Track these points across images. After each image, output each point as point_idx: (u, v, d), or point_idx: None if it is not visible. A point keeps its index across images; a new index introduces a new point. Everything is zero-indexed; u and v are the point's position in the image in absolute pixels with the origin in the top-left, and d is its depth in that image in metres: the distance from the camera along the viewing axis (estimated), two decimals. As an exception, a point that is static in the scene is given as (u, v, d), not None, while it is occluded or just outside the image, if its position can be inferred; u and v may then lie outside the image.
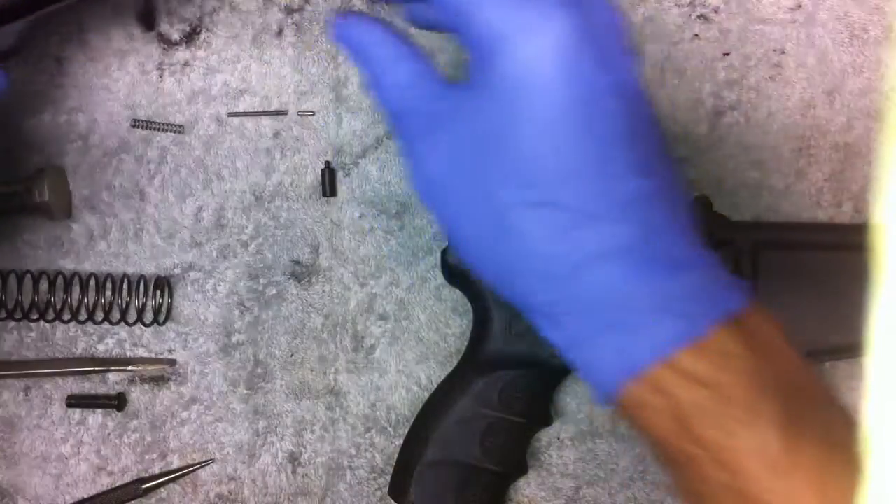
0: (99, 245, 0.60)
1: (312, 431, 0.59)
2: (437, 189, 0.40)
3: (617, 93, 0.37)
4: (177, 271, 0.60)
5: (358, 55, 0.42)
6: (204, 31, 0.60)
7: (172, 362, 0.60)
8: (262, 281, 0.60)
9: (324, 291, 0.60)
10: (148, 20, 0.55)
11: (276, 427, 0.60)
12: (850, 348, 0.52)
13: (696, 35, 0.59)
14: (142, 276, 0.60)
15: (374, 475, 0.59)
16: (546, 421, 0.56)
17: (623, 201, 0.36)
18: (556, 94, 0.36)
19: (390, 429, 0.59)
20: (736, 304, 0.37)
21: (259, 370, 0.60)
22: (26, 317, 0.59)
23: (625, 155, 0.37)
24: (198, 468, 0.60)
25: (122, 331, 0.60)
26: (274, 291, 0.60)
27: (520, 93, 0.36)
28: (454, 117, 0.39)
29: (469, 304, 0.57)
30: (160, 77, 0.60)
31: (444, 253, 0.55)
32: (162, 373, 0.60)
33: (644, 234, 0.36)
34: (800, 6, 0.59)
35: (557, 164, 0.36)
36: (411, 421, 0.57)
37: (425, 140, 0.40)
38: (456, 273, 0.55)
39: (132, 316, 0.60)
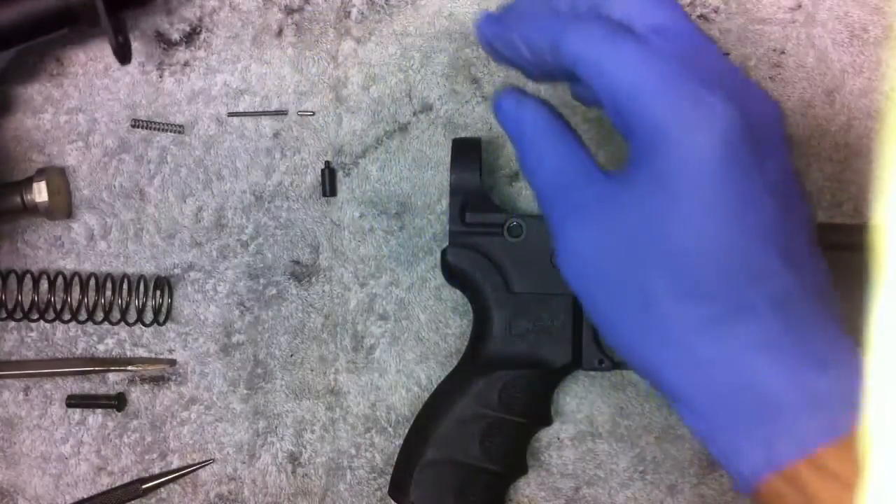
0: (99, 245, 0.60)
1: (312, 431, 0.59)
2: (586, 272, 0.40)
3: (775, 189, 0.38)
4: (177, 271, 0.60)
5: (519, 136, 0.44)
6: (204, 31, 0.60)
7: (172, 362, 0.60)
8: (262, 281, 0.60)
9: (324, 291, 0.60)
10: (124, 54, 0.56)
11: (276, 427, 0.60)
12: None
13: (696, 35, 0.59)
14: (142, 276, 0.60)
15: (374, 475, 0.59)
16: (546, 421, 0.56)
17: (774, 296, 0.37)
18: (715, 189, 0.37)
19: (390, 429, 0.59)
20: None
21: (259, 370, 0.60)
22: (26, 317, 0.59)
23: (778, 250, 0.37)
24: (198, 468, 0.60)
25: (122, 331, 0.60)
26: (274, 291, 0.60)
27: (679, 185, 0.37)
28: (609, 203, 0.39)
29: (469, 304, 0.57)
30: (160, 77, 0.60)
31: (444, 253, 0.55)
32: (162, 373, 0.60)
33: (793, 330, 0.37)
34: (800, 6, 0.59)
35: (712, 258, 0.37)
36: (411, 421, 0.57)
37: (578, 224, 0.40)
38: (456, 273, 0.55)
39: (132, 316, 0.60)
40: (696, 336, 0.38)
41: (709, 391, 0.38)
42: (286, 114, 0.60)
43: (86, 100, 0.61)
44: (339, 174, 0.60)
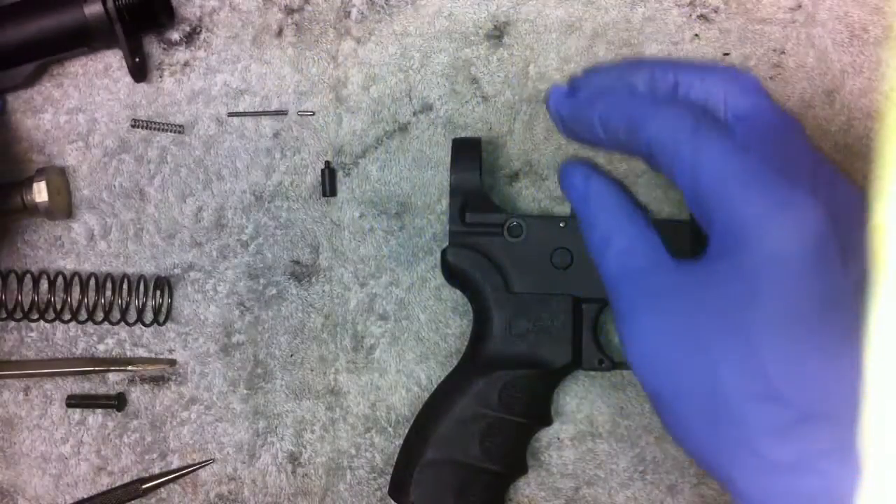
0: (99, 245, 0.60)
1: (312, 431, 0.59)
2: (656, 361, 0.39)
3: (856, 288, 0.37)
4: (177, 271, 0.60)
5: (586, 212, 0.42)
6: (204, 31, 0.60)
7: (172, 362, 0.60)
8: (262, 281, 0.60)
9: (324, 291, 0.60)
10: (140, 72, 0.59)
11: (276, 427, 0.60)
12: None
13: (696, 35, 0.59)
14: (142, 276, 0.60)
15: (374, 475, 0.59)
16: (546, 421, 0.56)
17: (847, 401, 0.35)
18: (800, 291, 0.36)
19: (390, 429, 0.59)
20: None
21: (259, 370, 0.60)
22: (26, 317, 0.59)
23: (855, 352, 0.36)
24: (198, 468, 0.60)
25: (122, 331, 0.60)
26: (274, 291, 0.60)
27: (763, 285, 0.36)
28: (685, 294, 0.38)
29: (469, 304, 0.57)
30: (160, 77, 0.60)
31: (444, 253, 0.55)
32: (162, 373, 0.60)
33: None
34: (800, 6, 0.59)
35: (791, 359, 0.36)
36: (411, 421, 0.57)
37: (650, 312, 0.39)
38: (456, 273, 0.55)
39: (132, 316, 0.60)
40: (769, 438, 0.36)
41: (779, 494, 0.36)
42: (286, 114, 0.60)
43: (86, 100, 0.61)
44: (339, 174, 0.60)
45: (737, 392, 0.37)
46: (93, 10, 0.56)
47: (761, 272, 0.36)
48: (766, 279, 0.36)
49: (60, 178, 0.60)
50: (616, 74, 0.43)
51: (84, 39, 0.57)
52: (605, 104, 0.41)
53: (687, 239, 0.49)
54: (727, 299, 0.37)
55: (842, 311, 0.36)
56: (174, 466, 0.60)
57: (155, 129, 0.60)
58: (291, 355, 0.60)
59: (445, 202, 0.59)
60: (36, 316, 0.59)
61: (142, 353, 0.60)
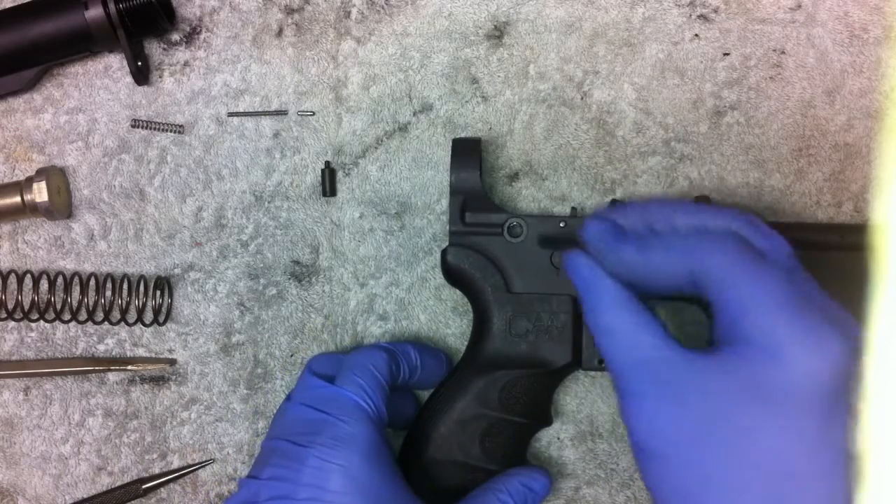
0: (99, 245, 0.60)
1: (312, 431, 0.59)
2: (658, 447, 0.42)
3: (849, 412, 0.40)
4: (177, 271, 0.60)
5: (593, 306, 0.45)
6: (204, 31, 0.60)
7: (172, 362, 0.60)
8: (262, 281, 0.60)
9: (324, 291, 0.60)
10: (143, 75, 0.59)
11: (276, 427, 0.60)
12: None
13: (696, 35, 0.59)
14: (142, 276, 0.60)
15: (374, 475, 0.59)
16: (546, 421, 0.56)
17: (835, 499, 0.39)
18: (817, 414, 0.39)
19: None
20: None
21: (259, 370, 0.60)
22: (26, 317, 0.59)
23: (849, 459, 0.39)
24: (198, 468, 0.60)
25: (122, 331, 0.60)
26: (274, 291, 0.60)
27: (782, 401, 0.39)
28: (691, 385, 0.41)
29: (469, 304, 0.57)
30: (160, 77, 0.60)
31: (444, 253, 0.55)
32: (162, 373, 0.60)
33: None
34: (800, 6, 0.59)
35: (791, 470, 0.39)
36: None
37: (652, 399, 0.42)
38: (456, 273, 0.55)
39: (132, 316, 0.60)
40: None
41: None
42: (286, 114, 0.60)
43: (86, 100, 0.61)
44: (339, 174, 0.60)
45: (732, 489, 0.40)
46: (94, 15, 0.56)
47: (785, 390, 0.39)
48: (788, 397, 0.39)
49: (60, 178, 0.60)
50: (647, 216, 0.46)
51: (86, 44, 0.57)
52: (651, 242, 0.44)
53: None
54: (739, 404, 0.40)
55: (845, 440, 0.39)
56: (174, 466, 0.60)
57: (155, 129, 0.60)
58: (291, 355, 0.60)
59: (445, 202, 0.59)
60: (36, 316, 0.59)
61: (142, 353, 0.60)
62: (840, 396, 0.39)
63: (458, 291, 0.58)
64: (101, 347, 0.61)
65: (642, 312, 0.44)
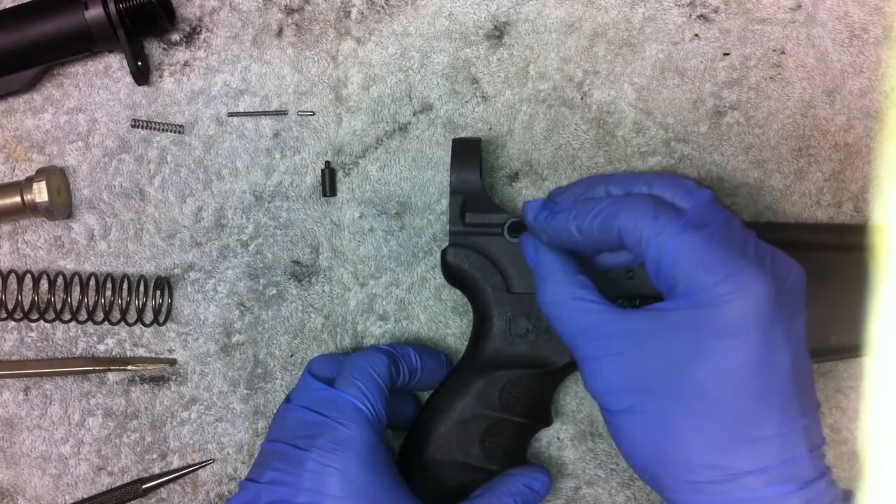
0: (99, 245, 0.60)
1: (312, 431, 0.59)
2: (612, 398, 0.45)
3: (794, 346, 0.44)
4: (177, 271, 0.60)
5: (540, 282, 0.49)
6: (204, 31, 0.60)
7: (172, 362, 0.60)
8: (262, 281, 0.60)
9: (324, 291, 0.60)
10: (143, 75, 0.59)
11: (276, 427, 0.59)
12: (850, 348, 0.52)
13: (696, 35, 0.59)
14: (142, 276, 0.60)
15: (374, 475, 0.59)
16: (546, 421, 0.56)
17: (778, 433, 0.43)
18: (746, 344, 0.42)
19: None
20: None
21: (259, 370, 0.60)
22: (26, 317, 0.59)
23: (785, 398, 0.43)
24: (198, 468, 0.60)
25: (122, 331, 0.60)
26: (274, 291, 0.60)
27: (711, 338, 0.43)
28: (632, 339, 0.45)
29: (469, 304, 0.57)
30: (160, 77, 0.60)
31: (444, 253, 0.55)
32: (162, 373, 0.60)
33: (788, 459, 0.43)
34: (800, 6, 0.59)
35: (731, 399, 0.43)
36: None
37: (602, 359, 0.45)
38: (456, 273, 0.55)
39: (132, 316, 0.60)
40: (707, 458, 0.43)
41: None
42: (286, 114, 0.60)
43: (86, 100, 0.61)
44: (339, 174, 0.60)
45: (680, 420, 0.43)
46: (94, 15, 0.56)
47: (713, 329, 0.43)
48: (716, 335, 0.42)
49: (60, 178, 0.60)
50: (579, 190, 0.50)
51: (86, 44, 0.57)
52: (577, 210, 0.48)
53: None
54: (677, 348, 0.43)
55: (780, 366, 0.43)
56: (174, 466, 0.60)
57: (155, 129, 0.60)
58: (291, 355, 0.60)
59: (445, 202, 0.59)
60: (36, 316, 0.59)
61: (142, 353, 0.60)
62: (773, 321, 0.42)
63: (458, 291, 0.58)
64: (101, 347, 0.61)
65: (582, 283, 0.48)
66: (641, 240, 0.45)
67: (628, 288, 0.53)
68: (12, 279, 0.60)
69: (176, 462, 0.60)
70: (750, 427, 0.43)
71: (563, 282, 0.48)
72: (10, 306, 0.59)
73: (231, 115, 0.60)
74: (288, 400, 0.53)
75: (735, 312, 0.42)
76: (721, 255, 0.43)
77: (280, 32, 0.60)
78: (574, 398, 0.59)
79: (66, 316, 0.59)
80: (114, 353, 0.60)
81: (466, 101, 0.60)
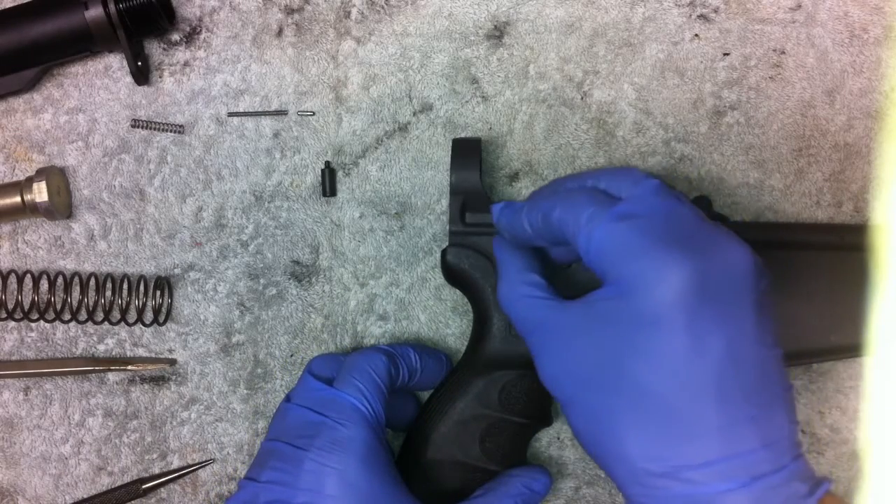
0: (99, 245, 0.60)
1: (312, 431, 0.59)
2: (558, 386, 0.46)
3: (731, 333, 0.42)
4: (177, 271, 0.60)
5: (499, 271, 0.51)
6: (204, 31, 0.60)
7: (172, 362, 0.60)
8: (262, 281, 0.60)
9: (324, 291, 0.60)
10: (143, 75, 0.59)
11: (276, 427, 0.59)
12: (850, 348, 0.52)
13: (696, 35, 0.59)
14: (142, 276, 0.60)
15: (374, 475, 0.59)
16: (546, 421, 0.56)
17: (717, 425, 0.42)
18: (671, 332, 0.42)
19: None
20: None
21: (259, 370, 0.60)
22: (26, 317, 0.59)
23: (723, 387, 0.42)
24: (198, 468, 0.60)
25: (122, 331, 0.60)
26: (274, 291, 0.60)
27: (642, 330, 0.43)
28: (572, 330, 0.45)
29: (469, 304, 0.57)
30: (160, 77, 0.60)
31: (444, 253, 0.55)
32: (162, 373, 0.60)
33: (732, 453, 0.42)
34: (800, 6, 0.59)
35: (663, 390, 0.42)
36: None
37: (548, 350, 0.47)
38: (456, 273, 0.55)
39: (132, 316, 0.60)
40: (647, 450, 0.43)
41: (653, 495, 0.43)
42: (286, 114, 0.60)
43: (86, 100, 0.61)
44: (339, 174, 0.60)
45: (620, 411, 0.43)
46: (94, 15, 0.56)
47: (640, 316, 0.42)
48: (643, 322, 0.42)
49: (60, 178, 0.60)
50: (546, 191, 0.51)
51: (86, 44, 0.57)
52: (528, 206, 0.49)
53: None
54: (607, 339, 0.44)
55: (706, 353, 0.42)
56: (174, 466, 0.60)
57: (155, 129, 0.60)
58: (291, 355, 0.60)
59: (445, 202, 0.59)
60: (36, 316, 0.59)
61: (142, 353, 0.60)
62: (699, 307, 0.42)
63: (458, 291, 0.58)
64: (101, 347, 0.61)
65: (531, 281, 0.49)
66: (574, 231, 0.46)
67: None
68: (12, 279, 0.60)
69: (176, 462, 0.60)
70: (686, 419, 0.42)
71: (514, 280, 0.50)
72: (10, 306, 0.59)
73: (231, 115, 0.60)
74: (288, 399, 0.53)
75: (655, 299, 0.42)
76: (646, 244, 0.43)
77: (280, 32, 0.60)
78: (574, 398, 0.59)
79: (66, 316, 0.59)
80: (114, 353, 0.60)
81: (466, 101, 0.60)
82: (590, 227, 0.45)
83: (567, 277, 0.53)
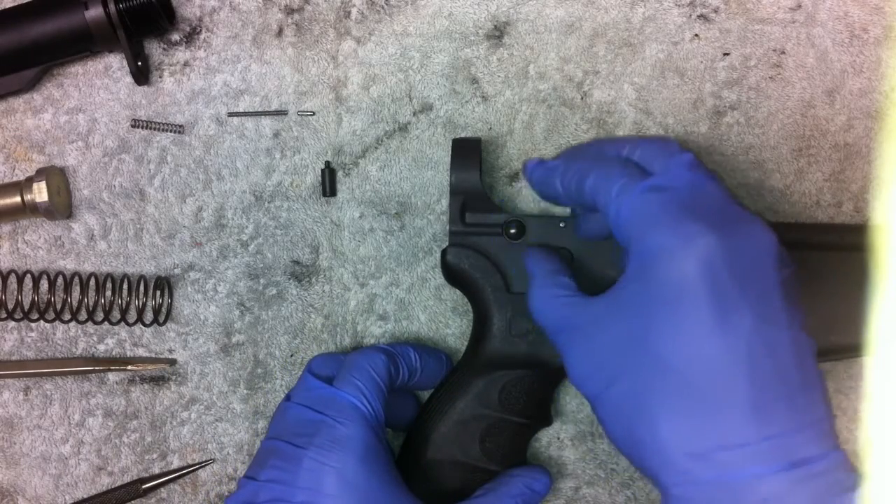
0: (99, 245, 0.60)
1: (312, 431, 0.59)
2: (587, 381, 0.46)
3: (761, 311, 0.42)
4: (177, 271, 0.60)
5: (527, 273, 0.52)
6: (204, 31, 0.60)
7: (172, 362, 0.60)
8: (262, 281, 0.60)
9: (324, 291, 0.60)
10: (143, 75, 0.59)
11: (276, 427, 0.59)
12: (850, 348, 0.52)
13: (696, 35, 0.59)
14: (142, 276, 0.60)
15: (374, 475, 0.59)
16: (546, 421, 0.56)
17: (752, 406, 0.41)
18: (695, 305, 0.41)
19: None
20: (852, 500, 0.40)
21: (259, 370, 0.60)
22: (26, 317, 0.59)
23: (755, 365, 0.41)
24: (198, 468, 0.60)
25: (122, 331, 0.60)
26: (274, 291, 0.60)
27: (666, 306, 0.42)
28: (600, 325, 0.45)
29: (469, 304, 0.57)
30: (160, 77, 0.60)
31: (444, 253, 0.55)
32: (162, 373, 0.60)
33: (769, 435, 0.40)
34: (800, 6, 0.59)
35: (691, 369, 0.41)
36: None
37: (575, 347, 0.47)
38: (456, 273, 0.55)
39: (132, 316, 0.60)
40: (674, 435, 0.42)
41: (683, 483, 0.42)
42: (286, 114, 0.60)
43: (86, 100, 0.61)
44: (339, 174, 0.60)
45: (649, 395, 0.43)
46: (94, 15, 0.56)
47: (658, 291, 0.42)
48: (666, 297, 0.42)
49: (60, 178, 0.60)
50: (579, 151, 0.51)
51: (86, 44, 0.57)
52: (563, 167, 0.49)
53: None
54: (634, 322, 0.43)
55: (736, 327, 0.41)
56: (174, 466, 0.60)
57: (155, 129, 0.60)
58: (291, 355, 0.60)
59: (445, 202, 0.59)
60: (36, 316, 0.59)
61: (142, 353, 0.60)
62: (723, 281, 0.41)
63: (458, 291, 0.58)
64: (101, 347, 0.61)
65: (561, 283, 0.49)
66: (605, 201, 0.46)
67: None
68: (12, 279, 0.60)
69: (176, 462, 0.60)
70: (716, 397, 0.41)
71: (543, 284, 0.50)
72: (10, 306, 0.59)
73: (231, 115, 0.60)
74: (288, 398, 0.53)
75: (678, 270, 0.42)
76: (671, 215, 0.43)
77: (280, 32, 0.60)
78: (574, 398, 0.59)
79: (66, 316, 0.59)
80: (114, 353, 0.60)
81: (466, 101, 0.60)
82: (620, 199, 0.45)
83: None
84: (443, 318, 0.60)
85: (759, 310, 0.42)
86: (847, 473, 0.40)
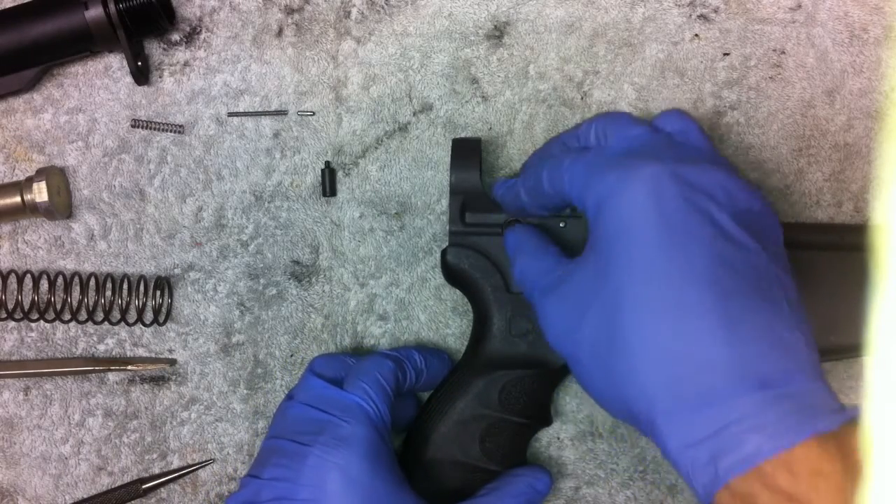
0: (99, 245, 0.60)
1: (312, 431, 0.59)
2: (560, 338, 0.47)
3: (712, 224, 0.42)
4: (177, 271, 0.60)
5: (512, 255, 0.53)
6: (204, 31, 0.60)
7: (172, 362, 0.60)
8: (262, 281, 0.60)
9: (324, 291, 0.60)
10: (143, 75, 0.59)
11: (276, 427, 0.59)
12: (850, 348, 0.52)
13: (696, 35, 0.59)
14: (142, 276, 0.60)
15: (374, 475, 0.59)
16: (546, 421, 0.56)
17: (722, 325, 0.40)
18: (645, 223, 0.42)
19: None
20: (828, 426, 0.38)
21: (259, 370, 0.60)
22: (26, 317, 0.59)
23: (720, 285, 0.41)
24: (198, 468, 0.60)
25: (122, 331, 0.60)
26: (274, 291, 0.60)
27: (619, 239, 0.43)
28: (568, 281, 0.46)
29: (469, 304, 0.57)
30: (160, 77, 0.60)
31: (444, 253, 0.55)
32: (162, 373, 0.60)
33: (740, 355, 0.40)
34: (800, 6, 0.59)
35: (655, 295, 0.41)
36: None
37: (548, 303, 0.48)
38: (456, 273, 0.55)
39: (132, 316, 0.60)
40: (651, 365, 0.41)
41: (663, 412, 0.41)
42: (286, 114, 0.60)
43: (86, 100, 0.61)
44: (339, 174, 0.60)
45: (613, 337, 0.43)
46: (94, 15, 0.56)
47: (616, 229, 0.43)
48: (620, 233, 0.43)
49: (60, 178, 0.60)
50: (532, 156, 0.52)
51: (86, 44, 0.57)
52: (522, 177, 0.51)
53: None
54: (600, 263, 0.44)
55: (695, 252, 0.41)
56: (174, 466, 0.60)
57: (155, 129, 0.60)
58: (291, 355, 0.60)
59: (445, 202, 0.59)
60: (36, 316, 0.59)
61: (142, 353, 0.60)
62: (682, 205, 0.42)
63: (458, 291, 0.58)
64: (101, 347, 0.61)
65: (541, 253, 0.50)
66: (560, 184, 0.47)
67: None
68: (12, 279, 0.60)
69: (176, 462, 0.60)
70: (683, 316, 0.40)
71: (526, 255, 0.51)
72: (10, 306, 0.59)
73: (231, 115, 0.60)
74: (290, 397, 0.53)
75: (628, 201, 0.42)
76: (618, 161, 0.44)
77: (280, 32, 0.60)
78: (574, 398, 0.59)
79: (66, 316, 0.59)
80: (114, 353, 0.60)
81: (466, 101, 0.60)
82: (571, 168, 0.46)
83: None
84: (443, 318, 0.60)
85: (714, 229, 0.42)
86: (828, 396, 0.40)
